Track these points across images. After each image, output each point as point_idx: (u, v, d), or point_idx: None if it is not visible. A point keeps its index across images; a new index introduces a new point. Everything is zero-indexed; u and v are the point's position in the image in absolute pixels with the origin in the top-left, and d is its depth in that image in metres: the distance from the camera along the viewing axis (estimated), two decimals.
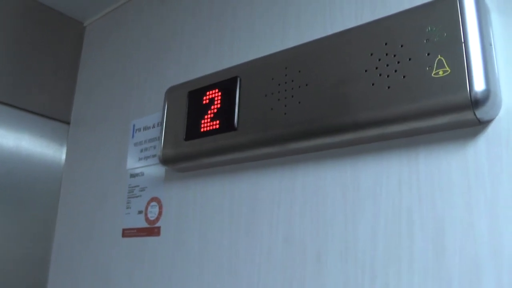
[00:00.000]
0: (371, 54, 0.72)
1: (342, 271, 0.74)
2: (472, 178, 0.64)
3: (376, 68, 0.71)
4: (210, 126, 0.92)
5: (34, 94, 1.38)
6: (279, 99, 0.82)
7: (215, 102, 0.93)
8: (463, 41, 0.63)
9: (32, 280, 1.30)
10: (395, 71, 0.68)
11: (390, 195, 0.72)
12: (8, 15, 1.36)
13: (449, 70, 0.63)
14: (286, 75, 0.83)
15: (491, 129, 0.64)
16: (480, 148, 0.65)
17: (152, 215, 1.08)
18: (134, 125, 1.21)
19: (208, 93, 0.95)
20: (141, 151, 1.16)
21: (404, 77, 0.67)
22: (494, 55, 0.65)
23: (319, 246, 0.78)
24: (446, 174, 0.67)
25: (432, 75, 0.64)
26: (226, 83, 0.92)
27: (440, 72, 0.64)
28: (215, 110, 0.92)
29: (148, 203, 1.10)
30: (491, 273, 0.60)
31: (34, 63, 1.40)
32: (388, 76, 0.69)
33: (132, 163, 1.18)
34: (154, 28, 1.29)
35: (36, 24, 1.43)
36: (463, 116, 0.63)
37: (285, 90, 0.82)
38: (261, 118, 0.84)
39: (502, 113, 0.64)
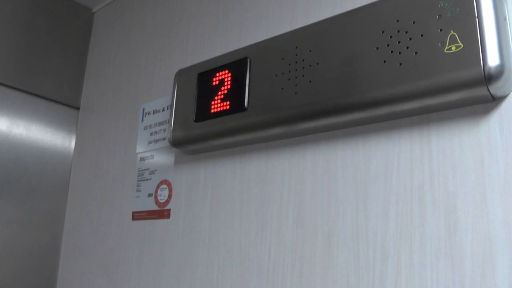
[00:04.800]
0: (383, 32, 0.71)
1: (353, 251, 0.74)
2: (485, 155, 0.64)
3: (388, 45, 0.70)
4: (220, 107, 0.91)
5: (44, 79, 1.39)
6: (289, 79, 0.82)
7: (225, 83, 0.92)
8: (476, 15, 0.62)
9: (43, 264, 1.31)
10: (407, 47, 0.68)
11: (402, 173, 0.71)
12: (18, 2, 1.36)
13: (462, 45, 0.62)
14: (296, 54, 0.82)
15: (504, 105, 0.63)
16: (493, 124, 0.64)
17: (162, 198, 1.08)
18: (143, 109, 1.21)
19: (218, 74, 0.94)
20: (151, 134, 1.16)
21: (416, 53, 0.66)
22: (508, 30, 0.64)
23: (329, 226, 0.77)
24: (459, 151, 0.66)
25: (445, 50, 0.64)
26: (236, 64, 0.91)
27: (453, 48, 0.63)
28: (225, 91, 0.92)
29: (158, 186, 1.10)
30: (504, 251, 0.60)
31: (43, 49, 1.40)
32: (400, 53, 0.68)
33: (142, 147, 1.18)
34: (161, 12, 1.29)
35: (45, 11, 1.43)
36: (476, 92, 0.62)
37: (296, 70, 0.81)
38: (271, 98, 0.84)
39: None
